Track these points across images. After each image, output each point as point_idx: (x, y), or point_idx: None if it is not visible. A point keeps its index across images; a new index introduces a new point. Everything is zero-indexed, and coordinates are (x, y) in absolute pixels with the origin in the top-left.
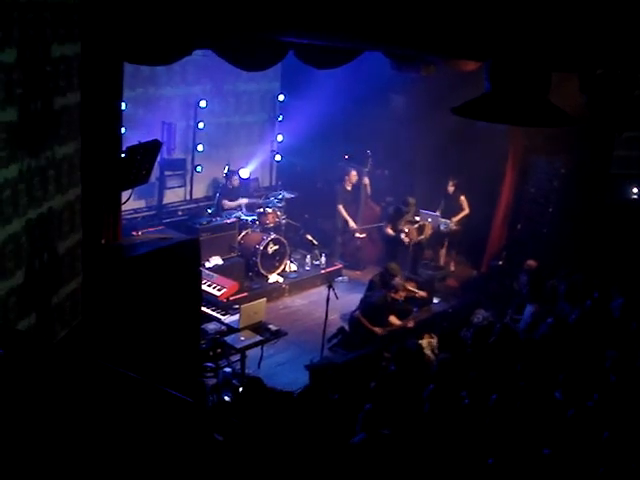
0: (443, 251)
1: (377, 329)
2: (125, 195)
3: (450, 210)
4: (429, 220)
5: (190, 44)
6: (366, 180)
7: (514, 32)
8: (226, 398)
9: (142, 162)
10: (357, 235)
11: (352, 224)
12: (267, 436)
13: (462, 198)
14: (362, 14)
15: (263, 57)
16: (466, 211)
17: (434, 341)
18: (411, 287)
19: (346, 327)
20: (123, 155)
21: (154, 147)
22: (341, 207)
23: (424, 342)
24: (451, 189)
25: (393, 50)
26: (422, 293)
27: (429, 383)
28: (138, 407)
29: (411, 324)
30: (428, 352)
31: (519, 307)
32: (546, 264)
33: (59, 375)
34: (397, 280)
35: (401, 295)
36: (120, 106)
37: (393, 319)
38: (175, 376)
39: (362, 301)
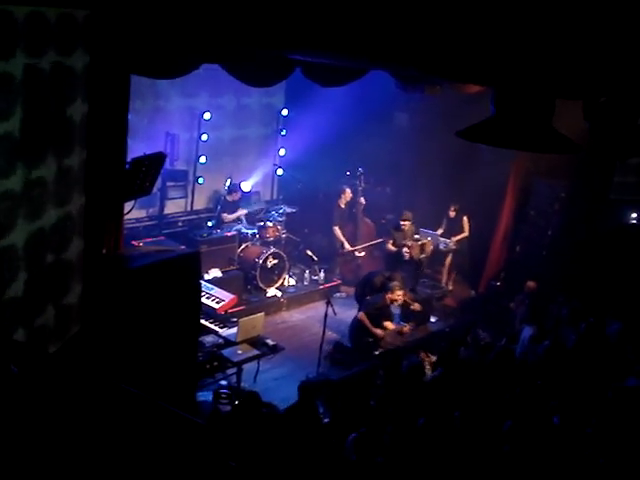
0: (445, 270)
1: (378, 331)
2: (128, 206)
3: (453, 231)
4: (429, 239)
5: (198, 59)
6: (360, 197)
7: (520, 59)
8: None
9: (146, 174)
10: (357, 254)
11: (347, 246)
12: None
13: (465, 219)
14: (370, 35)
15: (270, 73)
16: (465, 233)
17: (432, 358)
18: (407, 298)
19: (344, 343)
20: (128, 166)
21: (159, 159)
22: (337, 228)
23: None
24: (452, 214)
25: (400, 71)
26: (417, 306)
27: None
28: (150, 430)
29: (406, 329)
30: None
31: (516, 328)
32: (544, 287)
33: (65, 388)
34: (395, 283)
35: (398, 295)
36: (126, 118)
37: (388, 324)
38: (172, 389)
39: (363, 303)
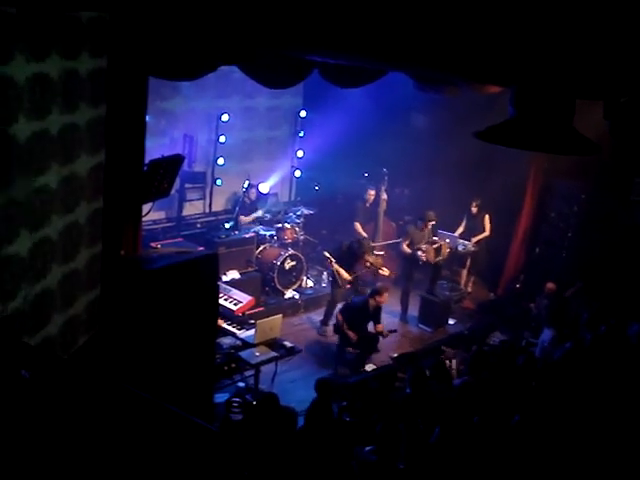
0: (464, 272)
1: (351, 333)
2: (146, 208)
3: (473, 230)
4: (447, 241)
5: (216, 60)
6: (384, 197)
7: (541, 59)
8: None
9: (164, 176)
10: (375, 252)
11: None
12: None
13: (486, 218)
14: (390, 37)
15: (288, 75)
16: (486, 233)
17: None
18: (376, 262)
19: None
20: (145, 168)
21: (177, 161)
22: (358, 224)
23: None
24: (474, 210)
25: (419, 72)
26: (386, 272)
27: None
28: (162, 436)
29: (386, 333)
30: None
31: (536, 330)
32: (564, 289)
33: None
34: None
35: (369, 260)
36: (145, 120)
37: (370, 326)
38: (190, 390)
39: (345, 304)
